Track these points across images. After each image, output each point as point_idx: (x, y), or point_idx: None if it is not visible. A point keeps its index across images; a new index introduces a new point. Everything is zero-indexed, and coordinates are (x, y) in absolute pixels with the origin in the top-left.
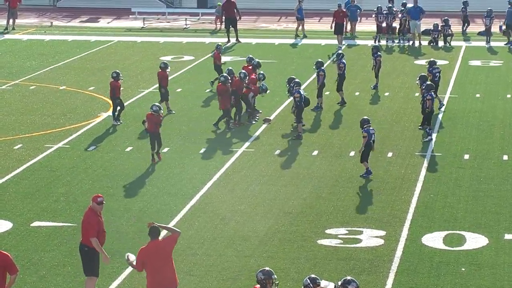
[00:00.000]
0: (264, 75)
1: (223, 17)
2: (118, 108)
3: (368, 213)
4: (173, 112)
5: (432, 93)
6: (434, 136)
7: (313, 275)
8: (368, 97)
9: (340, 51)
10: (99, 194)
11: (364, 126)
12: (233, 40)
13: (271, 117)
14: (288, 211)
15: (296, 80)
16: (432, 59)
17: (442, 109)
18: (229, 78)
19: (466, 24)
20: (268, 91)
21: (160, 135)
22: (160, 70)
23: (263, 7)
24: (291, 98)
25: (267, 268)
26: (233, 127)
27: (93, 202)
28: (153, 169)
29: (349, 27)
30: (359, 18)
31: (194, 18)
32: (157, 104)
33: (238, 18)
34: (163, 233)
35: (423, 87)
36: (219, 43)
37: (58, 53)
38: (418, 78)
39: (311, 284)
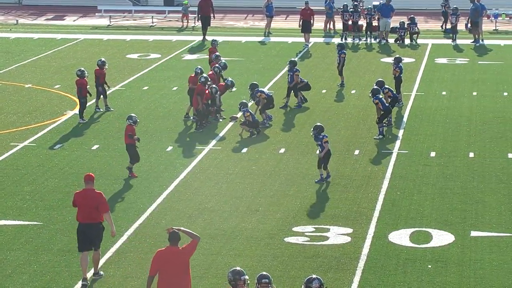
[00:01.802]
0: (219, 68)
1: (199, 15)
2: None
3: (335, 210)
4: (112, 109)
5: (379, 95)
6: (398, 133)
7: (264, 273)
8: (335, 95)
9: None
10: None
11: (322, 133)
12: (199, 37)
13: (238, 115)
14: (255, 209)
15: (257, 88)
16: (397, 56)
17: (399, 104)
18: (209, 79)
19: (445, 21)
20: (234, 88)
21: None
22: (97, 68)
23: (229, 4)
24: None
25: (238, 268)
26: (201, 129)
27: (90, 181)
28: (120, 167)
29: (329, 25)
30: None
31: (160, 16)
32: (134, 115)
33: (212, 16)
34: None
35: (371, 94)
36: (215, 39)
37: (24, 51)
38: (370, 92)
39: (258, 285)
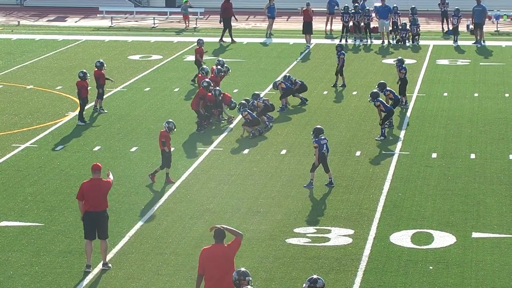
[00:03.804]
0: (221, 69)
1: (221, 17)
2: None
3: (336, 212)
4: (105, 111)
5: (379, 98)
6: (400, 135)
7: (242, 269)
8: (336, 96)
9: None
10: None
11: (319, 136)
12: (221, 40)
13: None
14: (256, 210)
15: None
16: (400, 57)
17: (405, 105)
18: (211, 83)
19: (447, 23)
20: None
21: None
22: (96, 69)
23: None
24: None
25: (242, 269)
26: (203, 130)
27: (98, 170)
28: (121, 168)
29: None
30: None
31: (162, 17)
32: (171, 120)
33: (234, 19)
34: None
35: (370, 98)
36: (200, 38)
37: (25, 52)
38: (369, 96)
39: (237, 281)
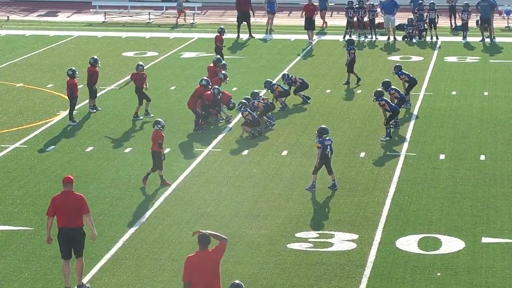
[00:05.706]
0: (225, 75)
1: (237, 11)
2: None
3: (339, 215)
4: (99, 109)
5: (383, 97)
6: (406, 135)
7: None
8: (340, 95)
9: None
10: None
11: (323, 136)
12: (242, 35)
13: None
14: (256, 213)
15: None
16: (397, 64)
17: (405, 105)
18: (210, 82)
19: (454, 18)
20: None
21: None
22: (90, 66)
23: (229, 1)
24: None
25: (237, 281)
26: (200, 130)
27: (70, 183)
28: (115, 170)
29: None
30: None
31: (158, 12)
32: (161, 120)
33: (252, 14)
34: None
35: (374, 98)
36: (222, 26)
37: (15, 48)
38: (373, 95)
39: None
